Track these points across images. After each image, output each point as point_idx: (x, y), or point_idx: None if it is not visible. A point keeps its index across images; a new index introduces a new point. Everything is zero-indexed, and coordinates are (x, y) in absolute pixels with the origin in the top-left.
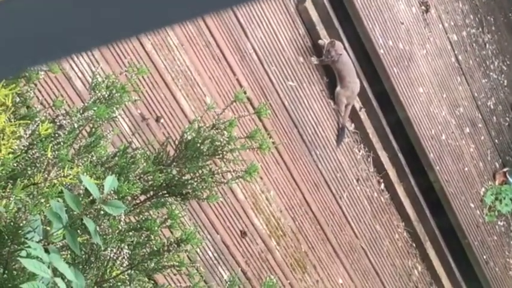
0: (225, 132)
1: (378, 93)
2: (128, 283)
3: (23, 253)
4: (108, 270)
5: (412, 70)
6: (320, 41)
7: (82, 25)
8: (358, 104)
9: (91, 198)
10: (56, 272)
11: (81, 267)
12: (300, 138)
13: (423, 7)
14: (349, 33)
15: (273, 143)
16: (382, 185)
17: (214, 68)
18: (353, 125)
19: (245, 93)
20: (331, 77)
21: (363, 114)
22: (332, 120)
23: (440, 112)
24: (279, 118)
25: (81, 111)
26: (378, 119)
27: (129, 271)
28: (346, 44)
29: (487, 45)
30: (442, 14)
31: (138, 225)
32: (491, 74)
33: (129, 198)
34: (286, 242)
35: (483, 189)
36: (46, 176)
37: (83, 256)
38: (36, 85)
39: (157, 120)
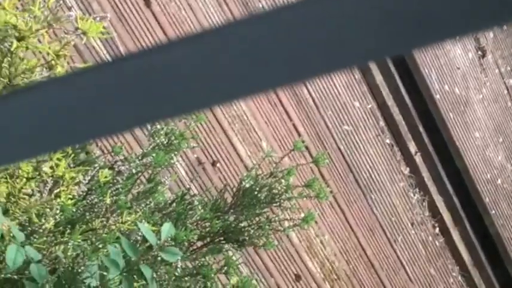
0: (282, 180)
1: (433, 138)
2: None
3: None
4: None
5: (468, 115)
6: None
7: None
8: (413, 148)
9: (148, 244)
10: None
11: None
12: (355, 182)
13: (480, 52)
14: (405, 77)
15: (331, 191)
16: (437, 229)
17: (270, 113)
18: (408, 168)
19: (303, 141)
20: (388, 122)
21: (418, 159)
22: (387, 165)
23: (496, 157)
24: (334, 163)
25: (139, 158)
26: (433, 163)
27: None
28: (402, 89)
29: None
30: (499, 59)
31: (194, 271)
32: None
33: (186, 244)
34: (340, 286)
35: None
36: (104, 222)
37: None
38: None
39: (213, 164)
